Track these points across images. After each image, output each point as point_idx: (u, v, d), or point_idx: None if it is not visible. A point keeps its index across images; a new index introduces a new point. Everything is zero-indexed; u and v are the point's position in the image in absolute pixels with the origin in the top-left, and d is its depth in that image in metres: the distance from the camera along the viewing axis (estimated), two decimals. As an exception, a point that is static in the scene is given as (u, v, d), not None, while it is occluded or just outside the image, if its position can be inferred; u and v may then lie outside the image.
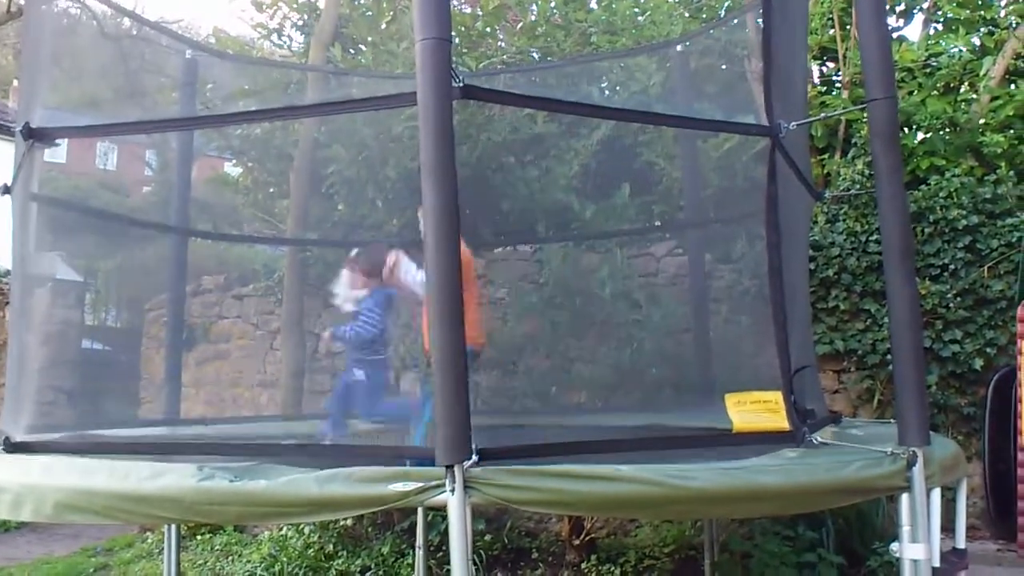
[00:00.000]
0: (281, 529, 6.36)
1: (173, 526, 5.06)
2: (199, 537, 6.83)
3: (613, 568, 5.64)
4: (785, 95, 3.53)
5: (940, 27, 8.99)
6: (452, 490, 2.40)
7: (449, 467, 2.40)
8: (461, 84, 2.67)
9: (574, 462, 2.63)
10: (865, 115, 3.47)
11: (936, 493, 3.03)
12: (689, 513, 4.28)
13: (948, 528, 3.37)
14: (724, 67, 6.48)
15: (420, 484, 2.45)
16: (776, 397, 3.11)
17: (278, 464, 2.75)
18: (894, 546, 2.89)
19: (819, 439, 3.17)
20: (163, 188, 7.30)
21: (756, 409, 3.13)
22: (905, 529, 2.86)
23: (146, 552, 6.75)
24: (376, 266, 4.86)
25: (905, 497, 2.86)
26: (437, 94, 2.54)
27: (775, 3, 3.42)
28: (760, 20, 4.36)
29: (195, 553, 6.58)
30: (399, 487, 2.47)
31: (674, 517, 5.44)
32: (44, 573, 6.17)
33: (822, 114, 7.35)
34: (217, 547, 6.64)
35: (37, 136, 3.48)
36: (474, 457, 2.43)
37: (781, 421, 3.07)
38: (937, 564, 2.92)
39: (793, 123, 3.25)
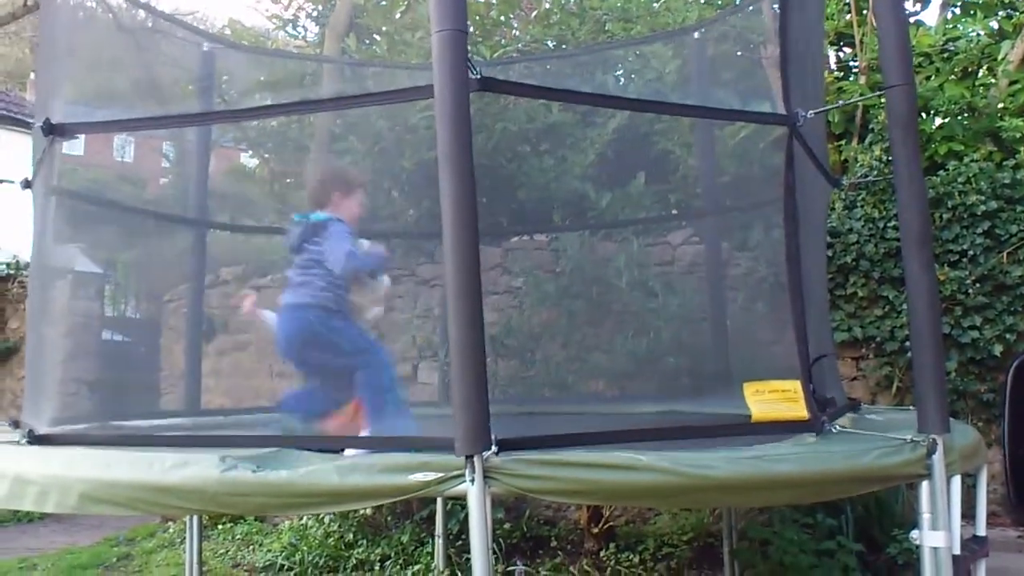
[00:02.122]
0: (302, 519, 6.40)
1: (195, 516, 5.10)
2: (220, 527, 6.89)
3: (632, 556, 5.65)
4: (802, 82, 3.50)
5: (958, 11, 8.92)
6: (472, 480, 2.39)
7: (469, 457, 2.40)
8: (478, 76, 2.66)
9: (593, 451, 2.63)
10: (883, 100, 3.45)
11: (956, 480, 3.01)
12: (707, 501, 4.28)
13: (968, 515, 3.36)
14: (740, 54, 6.44)
15: (440, 474, 2.45)
16: (795, 386, 3.10)
17: (299, 450, 2.76)
18: (914, 534, 2.88)
19: (838, 427, 3.16)
20: (181, 180, 7.33)
21: (774, 398, 3.12)
22: (925, 517, 2.84)
23: (168, 541, 6.82)
24: None
25: (925, 485, 2.84)
26: (454, 87, 2.52)
27: (792, -11, 3.40)
28: (776, 6, 4.35)
29: (216, 542, 6.64)
30: (419, 477, 2.47)
31: (692, 505, 5.45)
32: (68, 563, 6.24)
33: (839, 101, 7.31)
34: (238, 536, 6.70)
35: (57, 131, 3.49)
36: (494, 447, 2.43)
37: (800, 410, 3.05)
38: (957, 552, 2.90)
39: (811, 111, 3.23)
